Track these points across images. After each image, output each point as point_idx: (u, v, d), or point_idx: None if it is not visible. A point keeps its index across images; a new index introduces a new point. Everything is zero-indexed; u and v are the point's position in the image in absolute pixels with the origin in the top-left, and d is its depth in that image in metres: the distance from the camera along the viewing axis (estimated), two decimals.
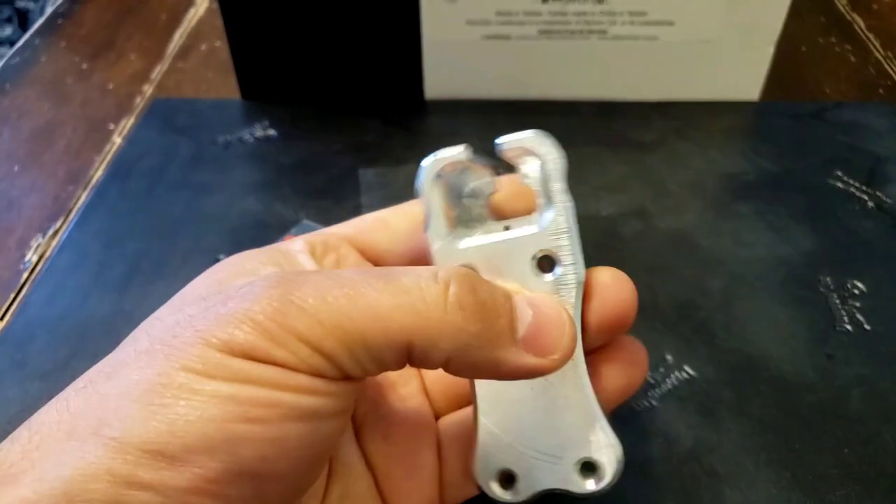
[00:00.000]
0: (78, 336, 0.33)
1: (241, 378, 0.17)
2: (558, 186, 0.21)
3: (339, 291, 0.18)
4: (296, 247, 0.23)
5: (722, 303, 0.33)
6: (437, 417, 0.25)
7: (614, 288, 0.22)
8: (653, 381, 0.30)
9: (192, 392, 0.17)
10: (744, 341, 0.32)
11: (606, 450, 0.22)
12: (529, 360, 0.19)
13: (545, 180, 0.22)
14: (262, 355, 0.17)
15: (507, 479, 0.22)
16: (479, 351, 0.18)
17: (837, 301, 0.33)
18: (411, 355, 0.18)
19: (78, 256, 0.37)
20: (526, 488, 0.22)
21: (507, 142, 0.22)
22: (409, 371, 0.24)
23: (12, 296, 0.35)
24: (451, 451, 0.23)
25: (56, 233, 0.39)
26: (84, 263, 0.36)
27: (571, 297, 0.21)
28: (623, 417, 0.29)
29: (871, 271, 0.35)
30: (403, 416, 0.23)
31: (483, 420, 0.22)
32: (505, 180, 0.23)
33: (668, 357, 0.31)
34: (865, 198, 0.39)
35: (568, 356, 0.19)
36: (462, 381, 0.24)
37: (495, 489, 0.22)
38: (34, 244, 0.38)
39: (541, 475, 0.22)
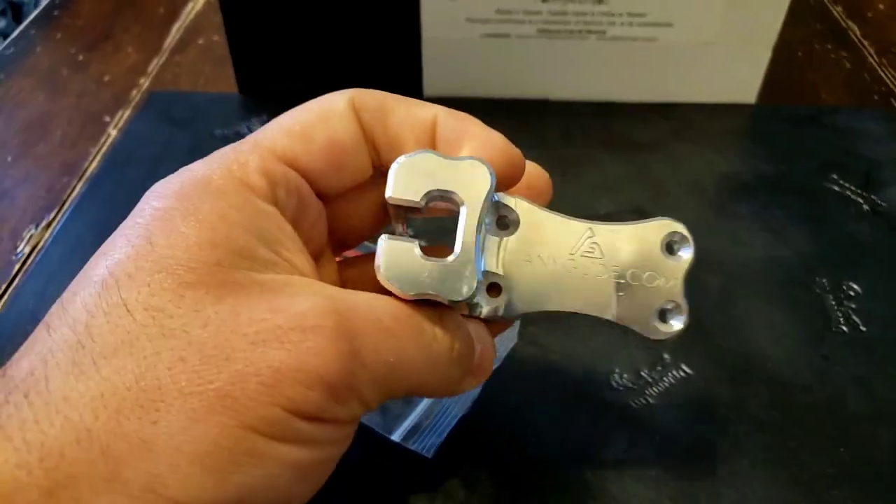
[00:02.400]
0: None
1: (305, 440, 0.17)
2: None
3: (390, 347, 0.19)
4: (256, 184, 0.20)
5: (719, 303, 0.33)
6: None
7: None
8: (650, 380, 0.30)
9: (261, 457, 0.16)
10: (741, 341, 0.32)
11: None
12: (473, 382, 0.23)
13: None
14: (327, 416, 0.18)
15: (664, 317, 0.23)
16: (452, 387, 0.22)
17: (833, 302, 0.34)
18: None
19: (71, 248, 0.36)
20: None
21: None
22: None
23: (4, 287, 0.35)
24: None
25: (50, 224, 0.38)
26: (77, 255, 0.36)
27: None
28: (620, 415, 0.29)
29: (867, 273, 0.35)
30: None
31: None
32: None
33: (666, 356, 0.31)
34: (861, 201, 0.39)
35: (489, 373, 0.23)
36: None
37: (662, 328, 0.23)
38: (27, 235, 0.38)
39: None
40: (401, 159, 0.21)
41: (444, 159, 0.21)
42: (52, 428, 0.15)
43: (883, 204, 0.39)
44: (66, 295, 0.18)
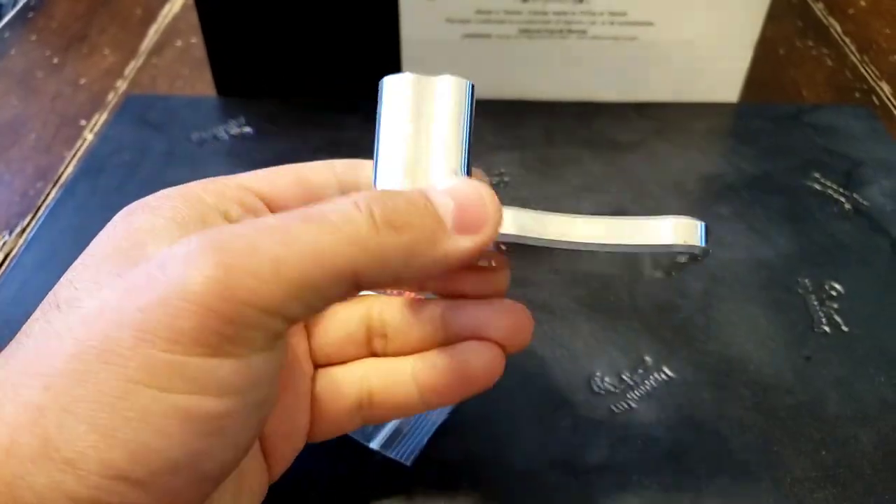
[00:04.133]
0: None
1: (197, 387, 0.16)
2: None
3: (273, 241, 0.17)
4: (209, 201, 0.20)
5: (701, 304, 0.33)
6: (317, 366, 0.24)
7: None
8: (632, 383, 0.30)
9: (148, 412, 0.16)
10: (723, 343, 0.32)
11: None
12: (467, 241, 0.19)
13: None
14: (213, 339, 0.16)
15: None
16: (421, 255, 0.18)
17: (815, 303, 0.33)
18: (360, 282, 0.18)
19: (46, 255, 0.36)
20: None
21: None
22: (298, 334, 0.24)
23: None
24: (323, 411, 0.23)
25: (24, 230, 0.38)
26: (52, 262, 0.35)
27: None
28: (601, 419, 0.29)
29: (849, 273, 0.35)
30: (287, 386, 0.23)
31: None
32: None
33: (648, 358, 0.31)
34: (843, 200, 0.39)
35: (498, 221, 0.20)
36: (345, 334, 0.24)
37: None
38: (0, 242, 0.37)
39: None
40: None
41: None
42: None
43: (865, 203, 0.39)
44: None
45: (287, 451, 0.23)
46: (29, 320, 0.18)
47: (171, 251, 0.17)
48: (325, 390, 0.24)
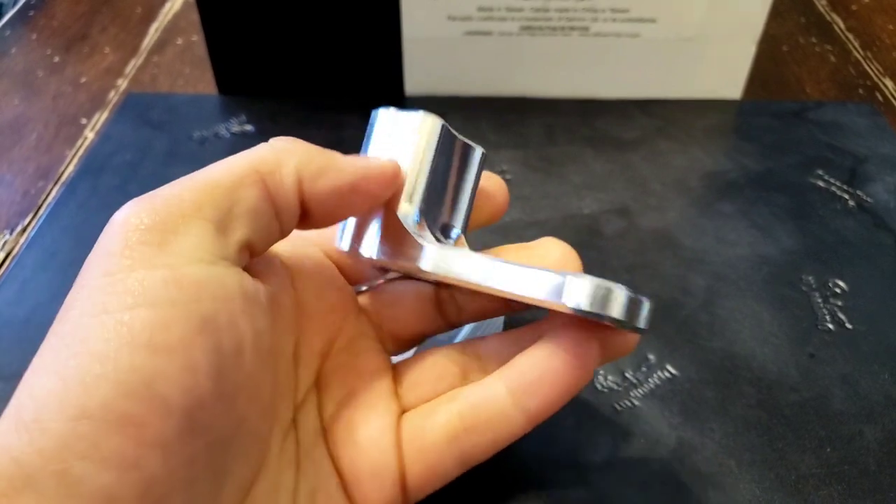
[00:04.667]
0: (45, 336, 0.32)
1: (131, 300, 0.16)
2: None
3: (190, 174, 0.19)
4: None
5: (705, 302, 0.33)
6: (404, 410, 0.23)
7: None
8: (635, 381, 0.30)
9: (91, 338, 0.16)
10: (726, 340, 0.32)
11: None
12: (359, 158, 0.22)
13: None
14: (140, 250, 0.17)
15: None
16: (316, 156, 0.21)
17: (819, 300, 0.33)
18: (265, 179, 0.20)
19: (47, 254, 0.36)
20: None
21: None
22: (381, 375, 0.23)
23: None
24: (412, 452, 0.22)
25: (25, 229, 0.37)
26: (53, 262, 0.35)
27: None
28: (605, 417, 0.29)
29: (853, 270, 0.35)
30: (368, 422, 0.22)
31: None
32: None
33: (651, 356, 0.31)
34: (846, 197, 0.39)
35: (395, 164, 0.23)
36: (438, 378, 0.23)
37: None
38: (1, 241, 0.37)
39: None
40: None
41: None
42: None
43: (869, 199, 0.39)
44: None
45: (376, 494, 0.22)
46: None
47: None
48: (411, 425, 0.22)
